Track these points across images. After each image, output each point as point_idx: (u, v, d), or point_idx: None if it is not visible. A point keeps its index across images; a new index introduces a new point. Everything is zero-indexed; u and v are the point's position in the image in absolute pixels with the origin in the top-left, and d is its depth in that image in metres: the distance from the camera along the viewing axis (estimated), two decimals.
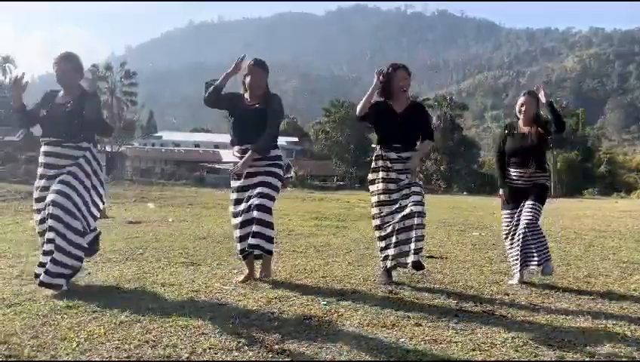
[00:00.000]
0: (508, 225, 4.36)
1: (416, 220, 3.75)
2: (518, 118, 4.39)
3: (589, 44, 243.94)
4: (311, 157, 57.91)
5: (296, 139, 58.62)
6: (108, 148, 40.04)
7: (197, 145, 62.89)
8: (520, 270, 4.18)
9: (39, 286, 3.36)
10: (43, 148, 3.63)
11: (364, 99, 3.99)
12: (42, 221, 3.50)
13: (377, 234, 4.05)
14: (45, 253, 3.42)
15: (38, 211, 3.56)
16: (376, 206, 4.03)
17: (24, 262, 4.36)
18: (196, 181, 36.81)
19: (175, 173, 41.75)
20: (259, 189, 3.74)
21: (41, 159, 3.63)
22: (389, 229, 3.92)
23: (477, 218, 11.56)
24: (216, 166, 45.42)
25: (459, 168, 51.77)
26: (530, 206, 4.16)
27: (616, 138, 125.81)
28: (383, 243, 4.00)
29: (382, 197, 3.99)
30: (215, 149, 57.37)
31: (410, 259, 3.75)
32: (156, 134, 67.79)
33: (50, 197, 3.40)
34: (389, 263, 3.95)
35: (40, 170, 3.63)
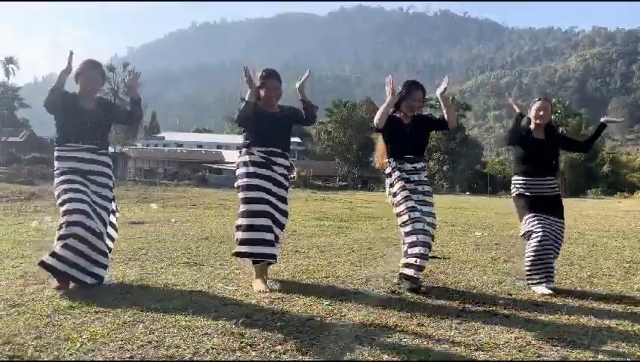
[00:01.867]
0: (542, 230, 4.02)
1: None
2: (530, 122, 4.18)
3: (591, 44, 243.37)
4: (313, 158, 57.93)
5: (298, 140, 58.69)
6: (111, 149, 40.12)
7: (200, 146, 63.06)
8: (546, 282, 3.97)
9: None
10: (74, 154, 3.63)
11: (381, 111, 3.98)
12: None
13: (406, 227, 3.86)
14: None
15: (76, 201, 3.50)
16: (403, 201, 3.88)
17: (27, 263, 4.37)
18: (199, 181, 36.89)
19: (178, 173, 41.89)
20: (285, 207, 3.90)
21: (71, 164, 3.61)
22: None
23: (479, 218, 11.56)
24: (219, 166, 45.50)
25: (461, 168, 51.71)
26: (562, 227, 4.17)
27: (620, 138, 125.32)
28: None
29: (405, 193, 3.89)
30: (217, 150, 57.49)
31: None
32: (159, 135, 68.00)
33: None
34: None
35: (68, 176, 3.59)
